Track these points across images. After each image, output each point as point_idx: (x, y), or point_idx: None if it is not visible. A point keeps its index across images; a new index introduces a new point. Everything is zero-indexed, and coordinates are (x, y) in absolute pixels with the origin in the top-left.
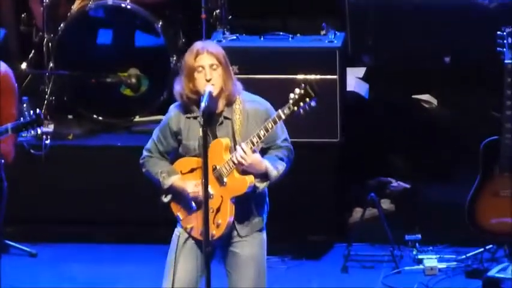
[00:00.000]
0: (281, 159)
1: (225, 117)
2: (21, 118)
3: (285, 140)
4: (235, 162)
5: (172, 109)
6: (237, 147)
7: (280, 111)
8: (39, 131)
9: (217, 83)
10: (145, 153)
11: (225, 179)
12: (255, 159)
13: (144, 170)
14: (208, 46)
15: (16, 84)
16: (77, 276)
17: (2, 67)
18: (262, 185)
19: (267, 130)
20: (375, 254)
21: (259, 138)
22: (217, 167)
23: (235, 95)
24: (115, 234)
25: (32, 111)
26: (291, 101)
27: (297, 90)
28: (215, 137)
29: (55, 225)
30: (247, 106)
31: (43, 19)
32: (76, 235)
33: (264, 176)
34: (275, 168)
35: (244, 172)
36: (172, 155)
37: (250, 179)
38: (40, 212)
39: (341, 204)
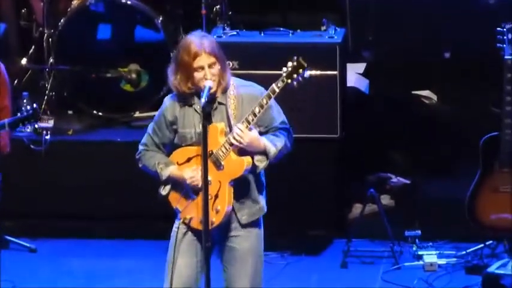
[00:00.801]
0: (278, 137)
1: (219, 103)
2: (18, 113)
3: (283, 122)
4: (233, 142)
5: (167, 99)
6: (234, 127)
7: (274, 85)
8: (36, 126)
9: (217, 79)
10: (141, 147)
11: (222, 163)
12: (252, 136)
13: (140, 165)
14: (205, 44)
15: (8, 77)
16: (77, 271)
17: None
18: (262, 164)
19: (261, 106)
20: (374, 250)
21: (254, 115)
22: (214, 152)
23: (229, 84)
24: (114, 229)
25: (28, 106)
26: (284, 74)
27: (290, 63)
28: (210, 122)
29: (55, 220)
30: (242, 91)
31: (43, 14)
32: (75, 230)
33: (263, 154)
34: (273, 145)
35: (242, 153)
36: (168, 148)
37: (247, 159)
38: (40, 207)
39: (341, 200)
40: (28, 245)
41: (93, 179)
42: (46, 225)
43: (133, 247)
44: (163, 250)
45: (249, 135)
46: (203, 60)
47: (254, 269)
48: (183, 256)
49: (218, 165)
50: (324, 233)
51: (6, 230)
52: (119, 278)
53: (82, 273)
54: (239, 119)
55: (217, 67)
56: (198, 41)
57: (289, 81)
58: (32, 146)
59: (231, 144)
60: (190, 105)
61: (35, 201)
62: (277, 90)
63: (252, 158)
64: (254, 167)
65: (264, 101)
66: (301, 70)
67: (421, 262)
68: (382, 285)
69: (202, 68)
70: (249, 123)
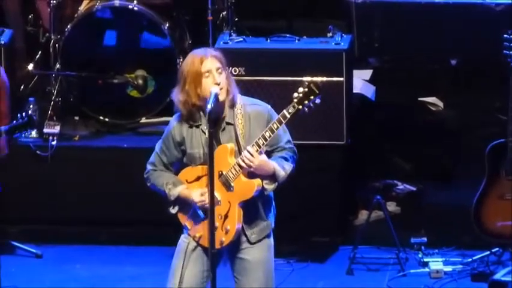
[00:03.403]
0: (286, 160)
1: (227, 123)
2: (14, 121)
3: (288, 141)
4: (243, 165)
5: (174, 120)
6: (244, 150)
7: (285, 111)
8: (33, 133)
9: (225, 86)
10: (149, 167)
11: (232, 184)
12: (262, 160)
13: (149, 184)
14: (209, 50)
15: (8, 81)
16: (82, 277)
17: None
18: (270, 187)
19: (272, 131)
20: (380, 257)
21: (265, 139)
22: (224, 173)
23: (237, 97)
24: (119, 236)
25: (24, 113)
26: (295, 100)
27: (301, 89)
28: (219, 143)
29: (60, 226)
30: (248, 109)
31: (50, 20)
32: (81, 236)
33: (271, 177)
34: (282, 169)
35: (250, 175)
36: (176, 167)
37: (257, 182)
38: (45, 213)
39: (347, 207)
40: (34, 250)
41: (99, 185)
42: (51, 231)
43: (138, 253)
44: (168, 257)
45: (259, 159)
46: (210, 63)
47: (265, 280)
48: (191, 265)
49: (228, 186)
50: (330, 240)
51: (12, 235)
52: (124, 284)
53: (87, 279)
54: (247, 137)
55: (224, 74)
56: (201, 50)
57: (300, 107)
58: (38, 152)
59: (241, 167)
60: (198, 126)
61: (41, 207)
62: (288, 116)
63: (261, 180)
64: (262, 189)
65: (275, 126)
66: (312, 96)
67: (427, 269)
68: None
69: (209, 71)
70: (259, 147)
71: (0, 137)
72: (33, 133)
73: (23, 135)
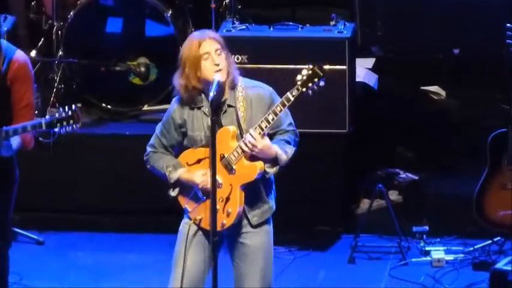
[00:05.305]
0: (288, 142)
1: (229, 105)
2: (57, 114)
3: (290, 124)
4: (245, 148)
5: (175, 102)
6: (246, 133)
7: (288, 93)
8: (74, 127)
9: (224, 67)
10: (149, 149)
11: (233, 167)
12: (265, 144)
13: (148, 166)
14: (207, 32)
15: (33, 72)
16: (84, 265)
17: (21, 55)
18: (272, 170)
19: (275, 114)
20: (382, 246)
21: (268, 122)
22: (225, 156)
23: (238, 79)
24: (122, 223)
25: (67, 107)
26: (299, 83)
27: (305, 71)
28: (220, 125)
29: (62, 213)
30: (250, 92)
31: (53, 7)
32: (83, 223)
33: (273, 160)
34: (284, 152)
35: (253, 158)
36: (177, 150)
37: (260, 165)
38: (48, 199)
39: (349, 195)
40: (36, 237)
41: (101, 173)
42: (53, 218)
43: (141, 241)
44: (170, 244)
45: (262, 143)
46: (208, 45)
47: (264, 266)
48: (192, 252)
49: (230, 169)
50: (332, 229)
51: (14, 222)
52: (126, 271)
53: (89, 267)
54: (249, 121)
55: (223, 55)
56: (199, 33)
57: (304, 89)
58: (40, 139)
59: (243, 150)
60: (199, 108)
61: (43, 193)
62: (292, 98)
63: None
64: (264, 172)
65: (278, 109)
66: (316, 79)
67: (428, 258)
68: (389, 280)
69: (208, 53)
70: (262, 129)
71: (41, 129)
72: (74, 127)
73: (65, 129)
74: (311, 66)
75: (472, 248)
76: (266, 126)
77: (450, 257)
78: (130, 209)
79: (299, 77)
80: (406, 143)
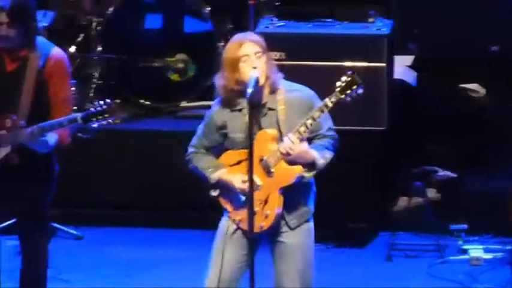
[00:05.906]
0: (327, 148)
1: (269, 108)
2: (92, 108)
3: (330, 129)
4: (283, 152)
5: (216, 104)
6: (284, 137)
7: (327, 99)
8: (111, 122)
9: (263, 70)
10: (190, 149)
11: (272, 170)
12: (302, 148)
13: (190, 165)
14: (249, 34)
15: (70, 69)
16: (122, 260)
17: (57, 52)
18: (309, 174)
19: (313, 119)
20: (419, 243)
21: (306, 127)
22: (265, 158)
23: (278, 83)
24: (159, 219)
25: (103, 102)
26: (337, 89)
27: (344, 78)
28: (260, 128)
29: (101, 209)
30: (290, 95)
31: (92, 2)
32: (122, 219)
33: (311, 165)
34: (322, 157)
35: (291, 162)
36: (217, 150)
37: (298, 169)
38: (86, 195)
39: (386, 193)
40: (75, 232)
41: (138, 168)
42: (91, 213)
43: (178, 236)
44: (209, 240)
45: (299, 147)
46: (248, 47)
47: (303, 265)
48: (231, 250)
49: (268, 172)
50: (369, 226)
51: (53, 217)
52: (162, 266)
53: (127, 262)
54: (288, 125)
55: (263, 58)
56: (241, 35)
57: (343, 96)
58: (79, 134)
59: (282, 154)
60: (240, 110)
61: (82, 189)
62: (330, 105)
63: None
64: (301, 177)
65: (317, 115)
66: (355, 86)
67: (466, 256)
68: (427, 279)
69: (247, 55)
70: (300, 134)
71: (77, 124)
72: (111, 121)
73: (101, 124)
74: (350, 73)
75: (511, 247)
76: (304, 131)
77: (489, 256)
78: (166, 204)
79: (338, 84)
80: (444, 140)
